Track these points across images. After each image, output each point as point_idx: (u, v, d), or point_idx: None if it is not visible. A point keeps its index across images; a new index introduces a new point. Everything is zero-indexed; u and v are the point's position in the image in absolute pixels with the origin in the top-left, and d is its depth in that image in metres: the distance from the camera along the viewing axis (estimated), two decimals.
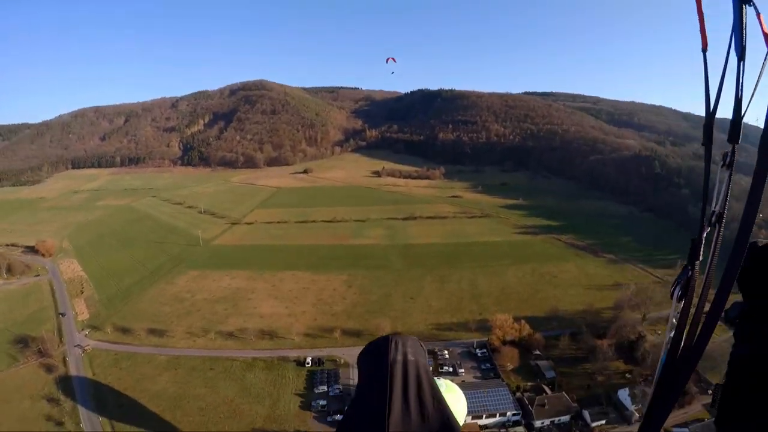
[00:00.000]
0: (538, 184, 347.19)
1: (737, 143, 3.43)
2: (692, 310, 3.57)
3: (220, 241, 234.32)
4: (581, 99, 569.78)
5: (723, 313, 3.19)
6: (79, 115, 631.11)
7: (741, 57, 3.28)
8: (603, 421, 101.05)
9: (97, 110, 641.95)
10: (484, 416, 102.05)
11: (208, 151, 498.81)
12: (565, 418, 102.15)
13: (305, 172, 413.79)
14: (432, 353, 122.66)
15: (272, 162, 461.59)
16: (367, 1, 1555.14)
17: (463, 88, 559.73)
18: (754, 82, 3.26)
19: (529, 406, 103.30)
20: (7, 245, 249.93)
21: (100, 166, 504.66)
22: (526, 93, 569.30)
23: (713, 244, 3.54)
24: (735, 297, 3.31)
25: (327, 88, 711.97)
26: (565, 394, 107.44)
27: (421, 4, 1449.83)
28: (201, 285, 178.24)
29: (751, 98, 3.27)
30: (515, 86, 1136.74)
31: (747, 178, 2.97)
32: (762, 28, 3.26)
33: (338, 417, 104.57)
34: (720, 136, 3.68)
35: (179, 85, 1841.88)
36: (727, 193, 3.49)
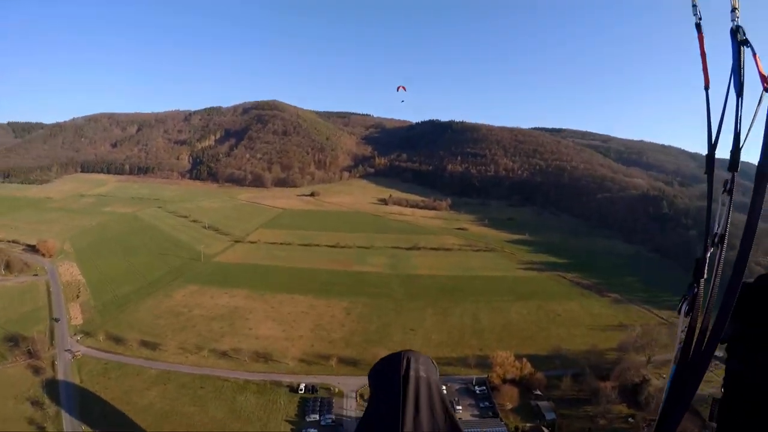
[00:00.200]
0: (545, 220, 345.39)
1: (736, 171, 3.88)
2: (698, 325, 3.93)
3: (222, 258, 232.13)
4: (590, 136, 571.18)
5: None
6: (92, 120, 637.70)
7: (739, 94, 3.77)
8: None
9: (110, 117, 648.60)
10: None
11: (216, 167, 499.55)
12: None
13: (312, 195, 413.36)
14: None
15: (280, 183, 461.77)
16: (383, 35, 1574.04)
17: (474, 121, 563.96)
18: (751, 117, 3.74)
19: None
20: (9, 242, 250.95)
21: (109, 172, 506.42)
22: (535, 128, 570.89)
23: (716, 263, 3.90)
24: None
25: (339, 113, 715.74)
26: None
27: (435, 39, 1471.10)
28: (199, 300, 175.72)
29: (748, 131, 3.75)
30: (525, 121, 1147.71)
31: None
32: (758, 68, 3.89)
33: None
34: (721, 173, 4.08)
35: (193, 99, 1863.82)
36: (728, 216, 3.91)
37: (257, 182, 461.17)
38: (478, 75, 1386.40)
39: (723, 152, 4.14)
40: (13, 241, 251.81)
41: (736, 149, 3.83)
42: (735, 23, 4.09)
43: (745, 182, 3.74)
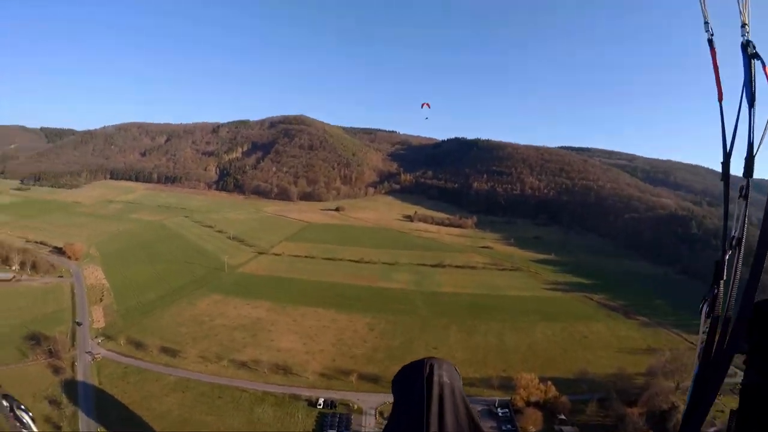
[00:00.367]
0: (571, 239, 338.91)
1: (751, 177, 4.16)
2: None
3: (246, 269, 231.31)
4: (617, 156, 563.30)
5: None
6: (123, 129, 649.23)
7: (751, 104, 4.07)
8: None
9: (140, 126, 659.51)
10: None
11: (243, 179, 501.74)
12: None
13: (337, 209, 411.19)
14: None
15: (305, 197, 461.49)
16: (410, 54, 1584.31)
17: (500, 139, 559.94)
18: (764, 126, 4.02)
19: None
20: (37, 243, 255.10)
21: (137, 179, 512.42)
22: (562, 147, 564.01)
23: (734, 265, 4.17)
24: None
25: (365, 129, 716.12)
26: None
27: (462, 58, 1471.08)
28: (221, 310, 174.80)
29: (761, 139, 4.06)
30: (552, 140, 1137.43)
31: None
32: None
33: None
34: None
35: (222, 112, 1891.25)
36: (744, 220, 4.21)
37: (283, 195, 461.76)
38: (505, 94, 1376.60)
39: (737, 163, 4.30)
40: (41, 243, 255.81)
41: (750, 156, 4.09)
42: (745, 38, 4.37)
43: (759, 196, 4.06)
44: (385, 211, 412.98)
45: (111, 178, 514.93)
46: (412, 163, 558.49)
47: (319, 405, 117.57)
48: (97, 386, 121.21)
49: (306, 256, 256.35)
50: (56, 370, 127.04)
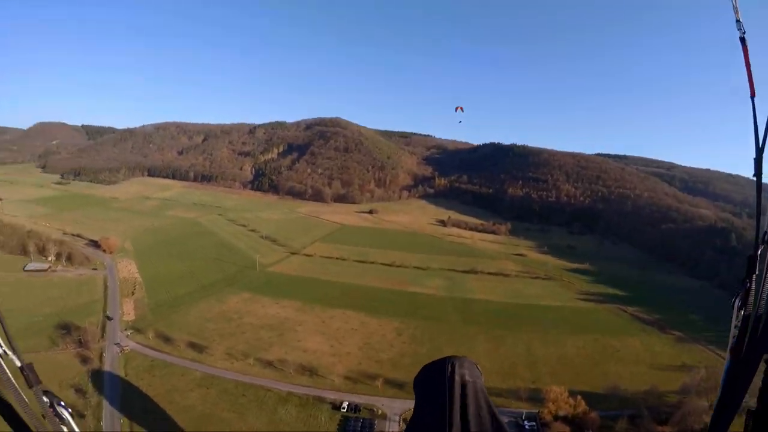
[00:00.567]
0: (606, 249, 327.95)
1: None
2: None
3: (277, 269, 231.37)
4: (655, 164, 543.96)
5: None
6: (161, 128, 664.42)
7: None
8: None
9: (178, 126, 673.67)
10: None
11: (278, 180, 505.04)
12: None
13: (371, 212, 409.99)
14: None
15: (339, 198, 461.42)
16: (447, 62, 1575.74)
17: (536, 145, 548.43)
18: None
19: None
20: (73, 235, 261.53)
21: (174, 177, 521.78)
22: (599, 154, 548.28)
23: (767, 260, 4.22)
24: None
25: (401, 132, 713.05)
26: None
27: (498, 64, 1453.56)
28: (250, 308, 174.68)
29: None
30: (589, 147, 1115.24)
31: None
32: None
33: None
34: None
35: (258, 113, 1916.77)
36: None
37: (317, 197, 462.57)
38: (543, 99, 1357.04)
39: None
40: (78, 235, 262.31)
41: None
42: None
43: None
44: (418, 215, 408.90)
45: (148, 175, 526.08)
46: (446, 167, 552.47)
47: (343, 408, 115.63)
48: (123, 377, 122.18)
49: (338, 258, 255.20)
50: (84, 360, 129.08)
